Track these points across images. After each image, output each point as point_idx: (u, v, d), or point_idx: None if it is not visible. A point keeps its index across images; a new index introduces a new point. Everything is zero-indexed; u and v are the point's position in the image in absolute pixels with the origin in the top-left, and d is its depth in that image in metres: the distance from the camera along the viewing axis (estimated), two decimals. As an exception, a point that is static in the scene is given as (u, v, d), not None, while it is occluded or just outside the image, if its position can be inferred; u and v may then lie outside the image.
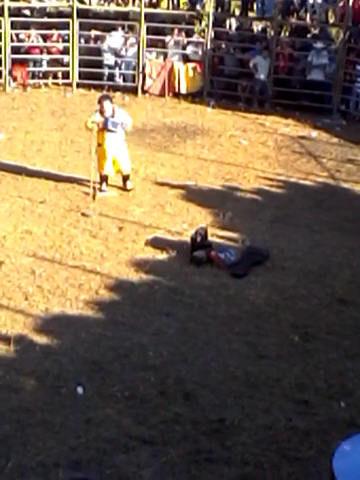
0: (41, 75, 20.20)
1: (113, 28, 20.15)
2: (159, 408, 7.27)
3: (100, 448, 6.69)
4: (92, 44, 20.24)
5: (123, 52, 20.04)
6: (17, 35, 19.90)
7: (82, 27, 19.80)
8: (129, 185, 13.06)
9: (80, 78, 19.81)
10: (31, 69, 19.99)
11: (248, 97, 19.40)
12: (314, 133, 17.33)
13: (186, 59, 19.97)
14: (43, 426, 6.95)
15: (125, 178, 13.03)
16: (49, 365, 7.88)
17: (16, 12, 20.04)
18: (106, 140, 12.50)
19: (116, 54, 19.98)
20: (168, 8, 21.01)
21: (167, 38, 19.95)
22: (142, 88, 19.78)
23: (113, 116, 12.46)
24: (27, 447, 6.67)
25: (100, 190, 12.67)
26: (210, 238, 10.87)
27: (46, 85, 20.10)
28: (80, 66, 19.78)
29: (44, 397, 7.39)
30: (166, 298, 9.45)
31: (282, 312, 9.21)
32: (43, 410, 7.17)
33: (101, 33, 20.14)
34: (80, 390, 7.50)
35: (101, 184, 12.78)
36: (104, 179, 12.83)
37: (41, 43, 19.93)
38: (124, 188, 13.02)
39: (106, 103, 12.51)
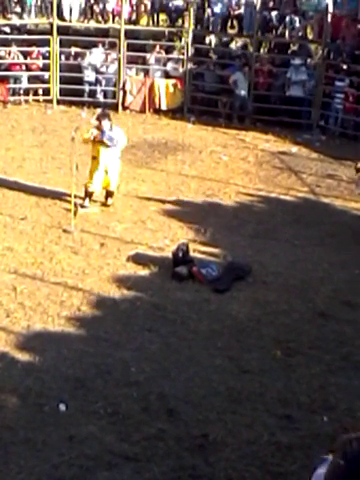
0: (22, 92, 20.18)
1: (93, 45, 20.21)
2: (142, 424, 7.25)
3: (83, 465, 6.66)
4: (72, 61, 20.30)
5: (103, 69, 20.11)
6: (-3, 52, 19.94)
7: (62, 44, 19.85)
8: (109, 201, 13.10)
9: (61, 95, 19.84)
10: (12, 86, 20.00)
11: (228, 113, 19.49)
12: (294, 149, 17.45)
13: (166, 75, 20.07)
14: (25, 444, 6.91)
15: (109, 194, 13.07)
16: (31, 382, 7.84)
17: (-4, 29, 20.11)
18: (101, 154, 12.55)
19: (97, 71, 20.04)
20: (148, 25, 21.12)
21: (147, 55, 20.05)
22: (123, 104, 19.83)
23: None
24: (9, 465, 6.62)
25: (81, 206, 12.65)
26: (192, 254, 10.90)
27: (26, 102, 20.08)
28: (61, 83, 19.82)
29: (26, 415, 7.35)
30: (148, 314, 9.45)
31: (264, 327, 9.23)
32: (25, 428, 7.13)
33: (81, 50, 20.20)
34: (62, 407, 7.47)
35: (84, 199, 12.77)
36: (89, 195, 12.85)
37: (21, 60, 19.94)
38: (105, 203, 13.06)
39: (104, 122, 12.54)
